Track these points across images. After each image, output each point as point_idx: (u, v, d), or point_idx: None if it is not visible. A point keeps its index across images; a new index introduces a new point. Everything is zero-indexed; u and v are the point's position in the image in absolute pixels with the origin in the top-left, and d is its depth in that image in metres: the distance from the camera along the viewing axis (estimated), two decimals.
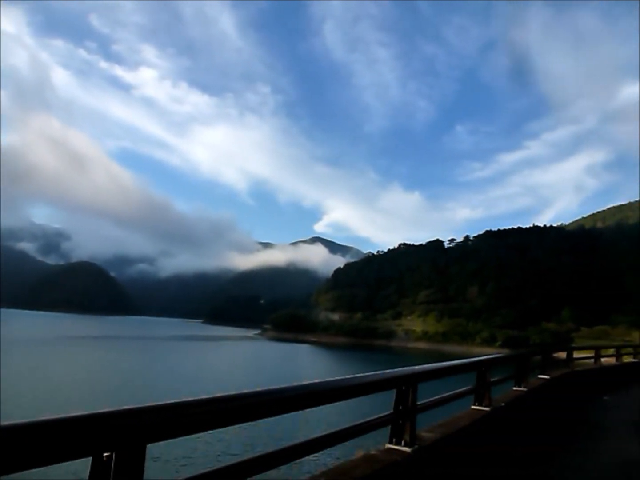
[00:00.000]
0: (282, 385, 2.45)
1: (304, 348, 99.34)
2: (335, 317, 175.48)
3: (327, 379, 2.93)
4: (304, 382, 2.69)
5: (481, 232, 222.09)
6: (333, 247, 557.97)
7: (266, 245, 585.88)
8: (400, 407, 3.61)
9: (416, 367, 3.81)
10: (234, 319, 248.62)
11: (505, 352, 9.89)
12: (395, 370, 3.63)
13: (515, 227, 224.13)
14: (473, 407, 5.45)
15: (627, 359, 15.95)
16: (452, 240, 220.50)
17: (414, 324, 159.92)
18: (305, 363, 65.69)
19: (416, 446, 3.58)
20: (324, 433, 2.89)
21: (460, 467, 3.98)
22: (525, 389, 7.32)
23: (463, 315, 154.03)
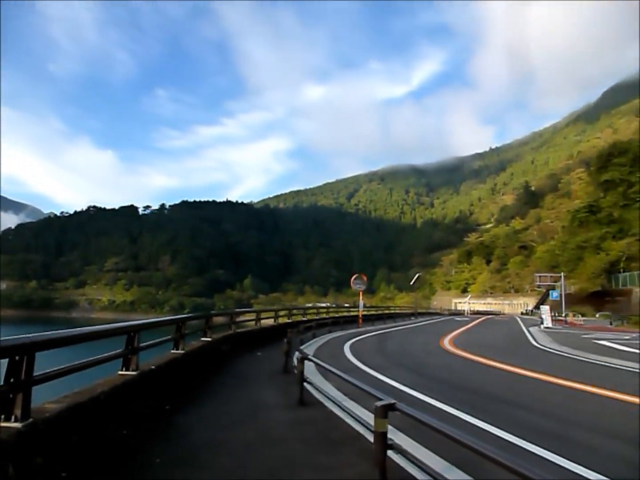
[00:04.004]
0: None
1: None
2: (2, 286, 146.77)
3: None
4: None
5: (178, 201, 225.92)
6: (2, 202, 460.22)
7: None
8: (12, 380, 3.31)
9: (35, 335, 3.56)
10: None
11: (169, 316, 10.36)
12: (8, 338, 3.31)
13: (211, 200, 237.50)
14: (120, 372, 5.53)
15: (283, 320, 19.20)
16: (147, 207, 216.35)
17: (101, 293, 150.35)
18: None
19: (31, 420, 3.37)
20: None
21: (76, 434, 3.95)
22: (182, 352, 7.88)
23: (153, 284, 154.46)
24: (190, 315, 9.16)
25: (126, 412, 5.18)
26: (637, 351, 14.93)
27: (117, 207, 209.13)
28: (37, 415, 3.48)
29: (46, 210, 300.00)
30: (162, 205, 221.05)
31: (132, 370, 5.60)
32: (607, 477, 3.99)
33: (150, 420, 5.62)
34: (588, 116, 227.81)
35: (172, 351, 7.86)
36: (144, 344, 6.17)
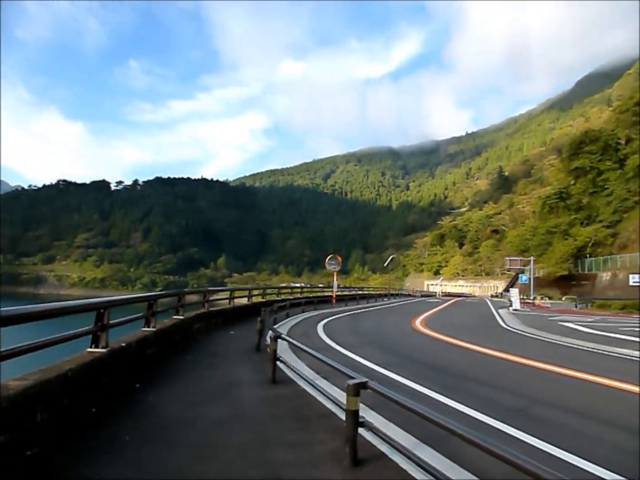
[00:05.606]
0: None
1: None
2: None
3: None
4: None
5: (151, 177, 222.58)
6: None
7: None
8: None
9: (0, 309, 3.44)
10: None
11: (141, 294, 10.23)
12: None
13: (185, 177, 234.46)
14: (89, 350, 5.43)
15: (257, 299, 19.19)
16: (120, 182, 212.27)
17: (70, 269, 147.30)
18: None
19: None
20: None
21: (42, 412, 3.87)
22: (154, 329, 7.80)
23: (125, 261, 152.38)
24: (162, 292, 9.06)
25: (95, 389, 5.10)
26: (599, 333, 15.52)
27: (88, 181, 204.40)
28: (1, 392, 3.39)
29: (13, 183, 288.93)
30: (135, 181, 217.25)
31: (102, 348, 5.50)
32: (565, 450, 4.15)
33: (119, 398, 5.56)
34: (562, 104, 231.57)
35: (144, 329, 7.78)
36: (115, 321, 6.08)
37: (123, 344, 6.13)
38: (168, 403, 5.61)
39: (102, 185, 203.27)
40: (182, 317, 10.07)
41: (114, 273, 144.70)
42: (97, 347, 5.51)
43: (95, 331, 5.50)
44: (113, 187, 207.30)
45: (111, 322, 5.81)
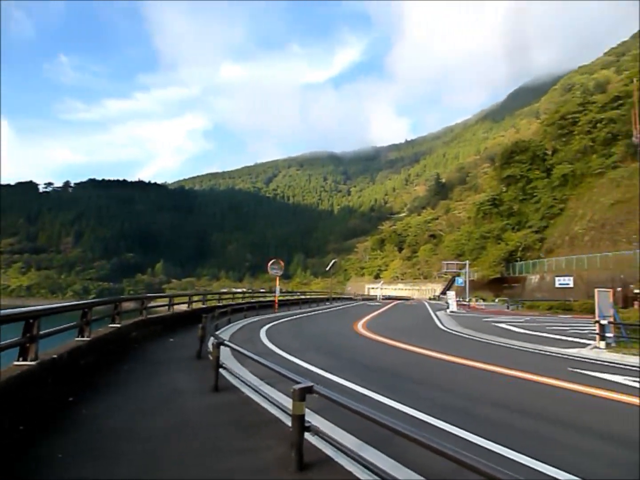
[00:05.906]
0: None
1: None
2: None
3: None
4: None
5: (85, 179, 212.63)
6: None
7: None
8: None
9: None
10: None
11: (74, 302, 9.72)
12: None
13: (121, 179, 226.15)
14: (16, 363, 5.10)
15: (198, 305, 18.77)
16: (49, 184, 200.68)
17: None
18: None
19: None
20: None
21: None
22: (88, 339, 7.47)
23: (55, 267, 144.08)
24: (97, 300, 8.69)
25: (23, 406, 4.80)
26: (529, 332, 16.51)
27: (12, 182, 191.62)
28: None
29: None
30: (67, 183, 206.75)
31: (31, 360, 5.19)
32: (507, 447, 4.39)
33: (51, 413, 5.26)
34: (495, 115, 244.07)
35: (77, 339, 7.41)
36: (45, 331, 5.76)
37: (54, 356, 5.80)
38: (106, 416, 5.37)
39: (29, 186, 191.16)
40: (118, 326, 9.69)
41: (43, 280, 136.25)
42: (25, 359, 5.19)
43: (24, 343, 5.18)
44: (42, 188, 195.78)
45: (41, 332, 5.50)
